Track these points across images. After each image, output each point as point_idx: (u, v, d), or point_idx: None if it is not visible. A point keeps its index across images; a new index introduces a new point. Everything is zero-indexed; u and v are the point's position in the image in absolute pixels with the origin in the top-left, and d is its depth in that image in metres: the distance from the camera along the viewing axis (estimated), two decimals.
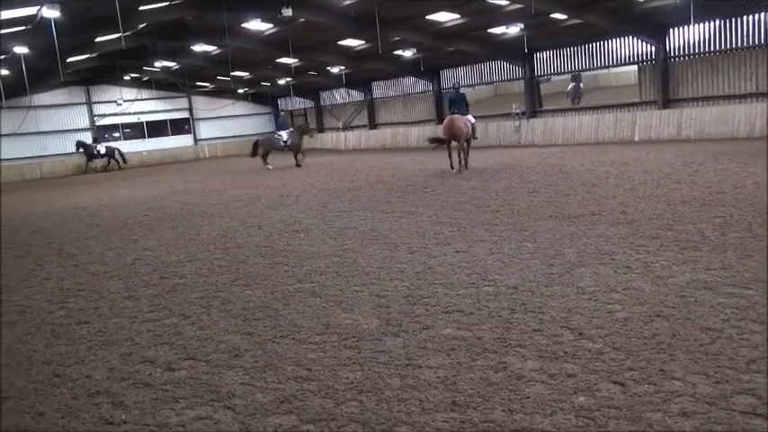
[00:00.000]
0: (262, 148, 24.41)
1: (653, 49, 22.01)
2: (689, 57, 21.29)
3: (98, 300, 6.77)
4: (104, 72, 35.26)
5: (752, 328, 4.29)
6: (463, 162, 16.38)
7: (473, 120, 16.98)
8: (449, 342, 4.57)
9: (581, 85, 28.39)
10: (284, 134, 24.21)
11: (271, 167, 23.69)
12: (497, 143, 26.58)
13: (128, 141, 40.81)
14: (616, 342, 4.28)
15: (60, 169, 37.00)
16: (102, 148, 35.29)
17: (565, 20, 22.06)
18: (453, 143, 16.37)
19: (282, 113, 26.04)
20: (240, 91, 41.47)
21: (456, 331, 4.77)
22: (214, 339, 5.12)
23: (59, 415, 3.99)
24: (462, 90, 19.26)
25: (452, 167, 16.42)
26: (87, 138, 37.20)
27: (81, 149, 34.87)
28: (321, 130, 41.46)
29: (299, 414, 3.68)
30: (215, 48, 28.99)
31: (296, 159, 24.14)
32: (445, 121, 16.34)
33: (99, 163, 35.68)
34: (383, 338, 4.77)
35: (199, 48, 28.07)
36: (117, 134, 40.67)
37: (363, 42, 27.02)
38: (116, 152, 35.61)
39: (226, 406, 3.88)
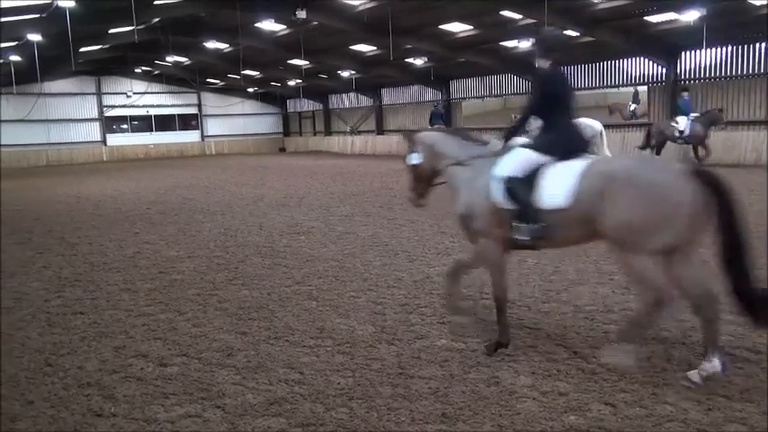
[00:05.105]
0: (654, 138, 19.15)
1: (664, 70, 22.04)
2: (699, 80, 21.30)
3: (95, 291, 6.78)
4: (116, 63, 35.38)
5: (746, 357, 4.27)
6: None
7: None
8: (443, 353, 4.56)
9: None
10: (682, 121, 18.07)
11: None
12: None
13: (135, 134, 40.94)
14: (610, 363, 4.26)
15: (67, 158, 37.14)
16: None
17: (577, 37, 22.11)
18: None
19: (687, 94, 18.70)
20: (250, 90, 41.60)
21: (450, 342, 4.76)
22: (208, 337, 5.11)
23: (48, 404, 3.98)
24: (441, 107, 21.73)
25: None
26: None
27: None
28: (328, 133, 41.54)
29: (288, 417, 3.67)
30: (227, 45, 29.09)
31: (695, 153, 18.35)
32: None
33: None
34: (377, 346, 4.76)
35: (211, 45, 28.16)
36: (125, 126, 40.82)
37: (375, 48, 27.10)
38: None
39: (215, 405, 3.87)
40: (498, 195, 4.41)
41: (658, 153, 18.61)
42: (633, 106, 27.13)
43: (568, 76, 4.40)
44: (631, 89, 24.53)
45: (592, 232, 4.13)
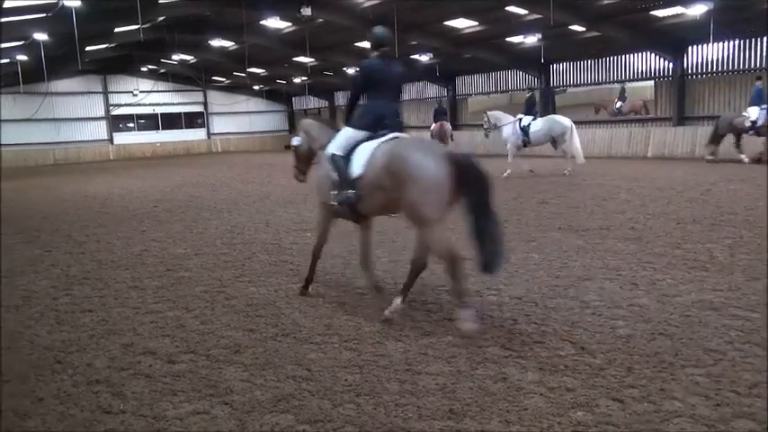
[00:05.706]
0: (721, 130, 17.86)
1: (670, 65, 21.94)
2: (706, 75, 21.18)
3: (103, 288, 6.81)
4: (122, 62, 35.48)
5: (755, 352, 4.26)
6: None
7: (449, 126, 21.47)
8: (449, 349, 4.56)
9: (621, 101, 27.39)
10: (754, 112, 16.83)
11: (714, 158, 17.98)
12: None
13: (142, 132, 41.05)
14: (617, 358, 4.26)
15: (74, 156, 37.30)
16: None
17: (583, 32, 22.02)
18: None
19: (760, 83, 16.94)
20: (255, 87, 41.61)
21: (457, 339, 4.75)
22: (216, 334, 5.13)
23: (58, 401, 4.01)
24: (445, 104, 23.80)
25: None
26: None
27: None
28: (334, 130, 41.57)
29: (296, 414, 3.68)
30: (232, 43, 29.12)
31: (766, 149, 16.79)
32: (436, 126, 20.76)
33: None
34: (384, 342, 4.77)
35: (216, 43, 28.19)
36: (131, 124, 40.94)
37: None
38: None
39: (224, 401, 3.88)
40: (329, 169, 5.48)
41: (737, 146, 17.48)
42: (619, 104, 27.05)
43: (389, 66, 5.51)
44: (635, 84, 24.44)
45: (392, 202, 4.99)
